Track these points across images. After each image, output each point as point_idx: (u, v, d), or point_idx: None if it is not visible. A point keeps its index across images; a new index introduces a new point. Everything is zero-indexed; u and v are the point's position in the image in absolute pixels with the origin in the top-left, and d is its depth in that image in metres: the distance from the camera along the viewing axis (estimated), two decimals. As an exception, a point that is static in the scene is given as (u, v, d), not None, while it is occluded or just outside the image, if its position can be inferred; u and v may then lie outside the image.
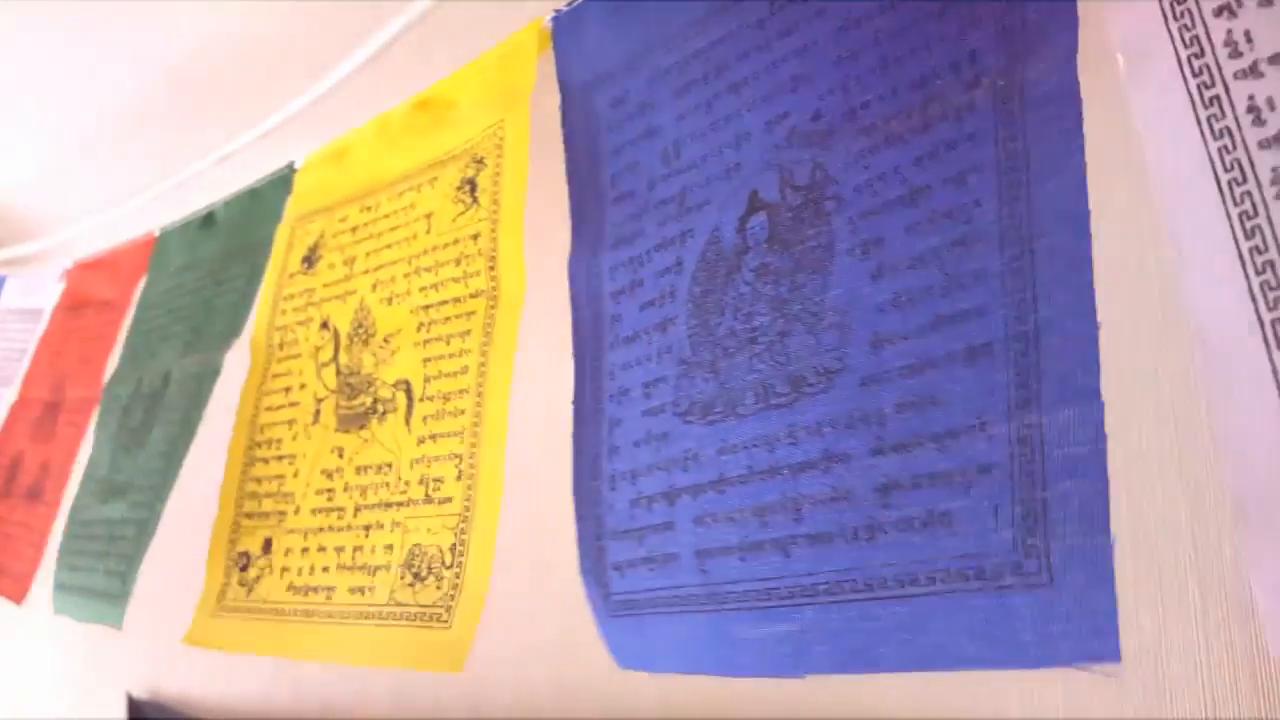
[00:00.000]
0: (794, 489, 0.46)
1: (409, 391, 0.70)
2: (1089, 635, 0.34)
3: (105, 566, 0.90)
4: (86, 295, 1.23)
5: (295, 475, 0.78)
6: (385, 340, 0.74)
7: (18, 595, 1.03)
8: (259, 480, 0.82)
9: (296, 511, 0.77)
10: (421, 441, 0.68)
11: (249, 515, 0.82)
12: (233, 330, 0.90)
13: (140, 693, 1.49)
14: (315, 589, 0.72)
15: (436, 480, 0.65)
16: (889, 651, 0.40)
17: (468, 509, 0.63)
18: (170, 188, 1.35)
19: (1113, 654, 0.33)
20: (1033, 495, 0.37)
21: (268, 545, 0.78)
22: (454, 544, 0.62)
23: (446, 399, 0.67)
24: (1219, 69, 0.38)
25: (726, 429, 0.51)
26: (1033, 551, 0.36)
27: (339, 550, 0.71)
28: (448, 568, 0.62)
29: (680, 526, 0.52)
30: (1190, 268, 0.37)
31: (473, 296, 0.68)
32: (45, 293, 1.36)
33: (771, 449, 0.48)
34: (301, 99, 1.15)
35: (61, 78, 1.25)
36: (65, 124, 1.37)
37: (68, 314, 1.26)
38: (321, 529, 0.74)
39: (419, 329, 0.72)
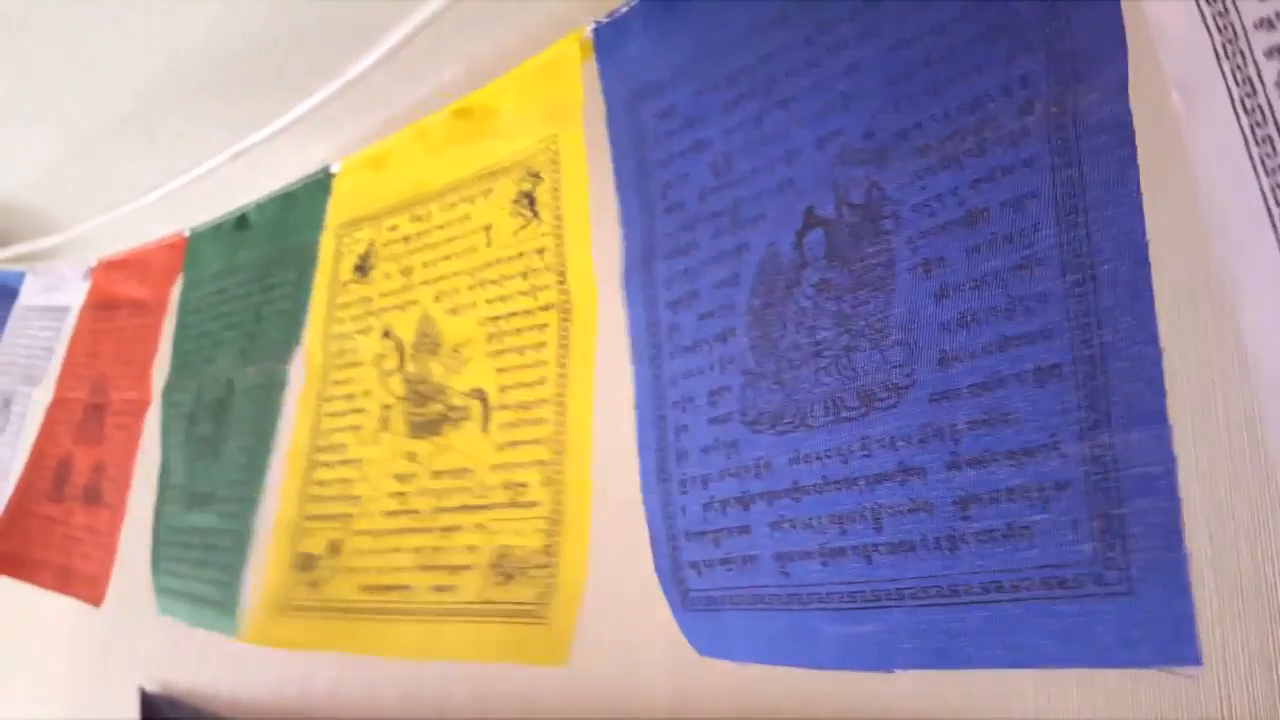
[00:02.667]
0: (871, 499, 0.50)
1: (484, 400, 0.73)
2: (1170, 641, 0.38)
3: (208, 575, 0.94)
4: (116, 294, 1.25)
5: (364, 479, 0.81)
6: (455, 350, 0.77)
7: (96, 598, 1.07)
8: (322, 484, 0.85)
9: (366, 514, 0.80)
10: (501, 448, 0.71)
11: (312, 518, 0.85)
12: (291, 339, 0.92)
13: (153, 686, 1.52)
14: (393, 588, 0.76)
15: (520, 485, 0.69)
16: (976, 651, 0.44)
17: (557, 513, 0.66)
18: (189, 184, 1.36)
19: (1193, 658, 0.37)
20: (1109, 511, 0.41)
21: (335, 546, 0.82)
22: (545, 545, 0.66)
23: (525, 408, 0.70)
24: (1271, 109, 0.41)
25: (798, 439, 0.55)
26: (1112, 564, 0.40)
27: (417, 551, 0.75)
28: (540, 568, 0.66)
29: (757, 530, 0.56)
30: (1245, 304, 0.40)
31: (543, 309, 0.71)
32: (70, 291, 1.37)
33: (845, 460, 0.52)
34: (322, 93, 1.15)
35: (75, 72, 1.25)
36: (79, 119, 1.37)
37: (98, 313, 1.27)
38: (397, 530, 0.77)
39: (489, 340, 0.75)
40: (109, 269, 1.29)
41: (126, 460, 1.09)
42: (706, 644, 0.60)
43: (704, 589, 0.59)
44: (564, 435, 0.67)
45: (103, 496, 1.09)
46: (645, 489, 0.64)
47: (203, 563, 0.96)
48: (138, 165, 1.44)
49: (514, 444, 0.70)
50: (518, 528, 0.68)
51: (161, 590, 1.03)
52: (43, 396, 1.32)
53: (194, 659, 1.46)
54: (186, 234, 1.16)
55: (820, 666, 0.52)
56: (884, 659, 0.48)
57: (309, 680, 1.22)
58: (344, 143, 1.20)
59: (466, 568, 0.71)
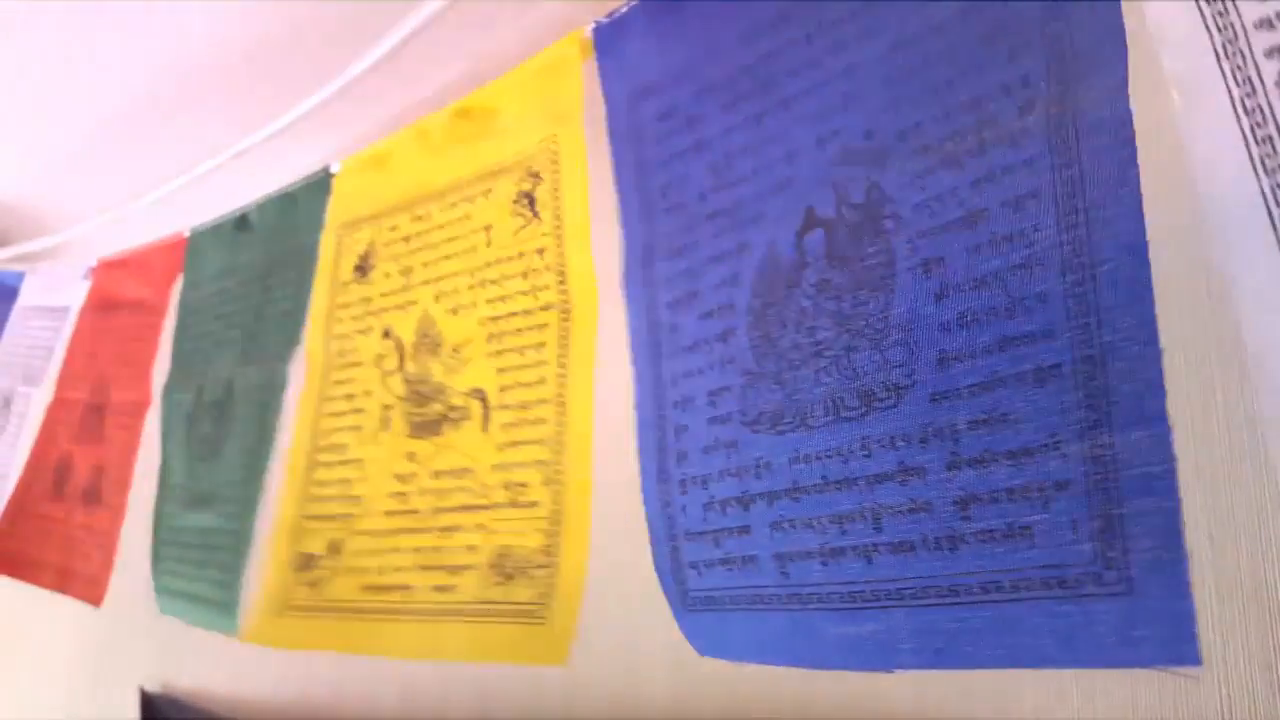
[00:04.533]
0: (871, 499, 0.50)
1: (484, 400, 0.73)
2: (1170, 640, 0.38)
3: (209, 575, 0.94)
4: (117, 295, 1.25)
5: (364, 479, 0.81)
6: (455, 350, 0.77)
7: (95, 598, 1.07)
8: (323, 484, 0.85)
9: (367, 514, 0.80)
10: (502, 448, 0.71)
11: (312, 518, 0.85)
12: (291, 339, 0.92)
13: (153, 686, 1.52)
14: (392, 588, 0.76)
15: (521, 485, 0.69)
16: (976, 651, 0.44)
17: (557, 512, 0.66)
18: (188, 184, 1.36)
19: (1194, 658, 0.37)
20: (1109, 512, 0.41)
21: (335, 546, 0.82)
22: (545, 545, 0.66)
23: (525, 407, 0.70)
24: (1271, 109, 0.41)
25: (798, 439, 0.55)
26: (1112, 564, 0.40)
27: (417, 550, 0.75)
28: (540, 567, 0.66)
29: (757, 530, 0.56)
30: (1245, 302, 0.40)
31: (543, 309, 0.71)
32: (70, 291, 1.37)
33: (845, 460, 0.52)
34: (322, 93, 1.16)
35: (74, 72, 1.25)
36: (79, 118, 1.37)
37: (98, 313, 1.27)
38: (397, 530, 0.77)
39: (489, 340, 0.75)
40: (109, 269, 1.29)
41: (126, 460, 1.09)
42: (706, 644, 0.60)
43: (704, 589, 0.59)
44: (564, 435, 0.67)
45: (102, 497, 1.09)
46: (645, 489, 0.64)
47: (203, 563, 0.96)
48: (138, 165, 1.44)
49: (514, 444, 0.71)
50: (518, 527, 0.68)
51: (162, 590, 1.03)
52: (43, 396, 1.32)
53: (194, 659, 1.46)
54: (186, 234, 1.16)
55: (820, 666, 0.52)
56: (884, 659, 0.48)
57: (309, 680, 1.22)
58: (344, 143, 1.20)
59: (467, 567, 0.71)
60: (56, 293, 1.41)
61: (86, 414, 1.20)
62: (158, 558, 1.04)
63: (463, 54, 1.12)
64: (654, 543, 0.63)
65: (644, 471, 0.64)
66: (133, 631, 1.55)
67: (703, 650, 0.60)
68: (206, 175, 1.35)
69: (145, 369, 1.12)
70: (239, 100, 1.25)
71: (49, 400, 1.29)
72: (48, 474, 1.21)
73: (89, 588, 1.08)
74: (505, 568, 0.68)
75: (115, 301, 1.25)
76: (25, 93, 1.32)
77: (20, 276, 1.47)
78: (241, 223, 1.06)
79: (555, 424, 0.68)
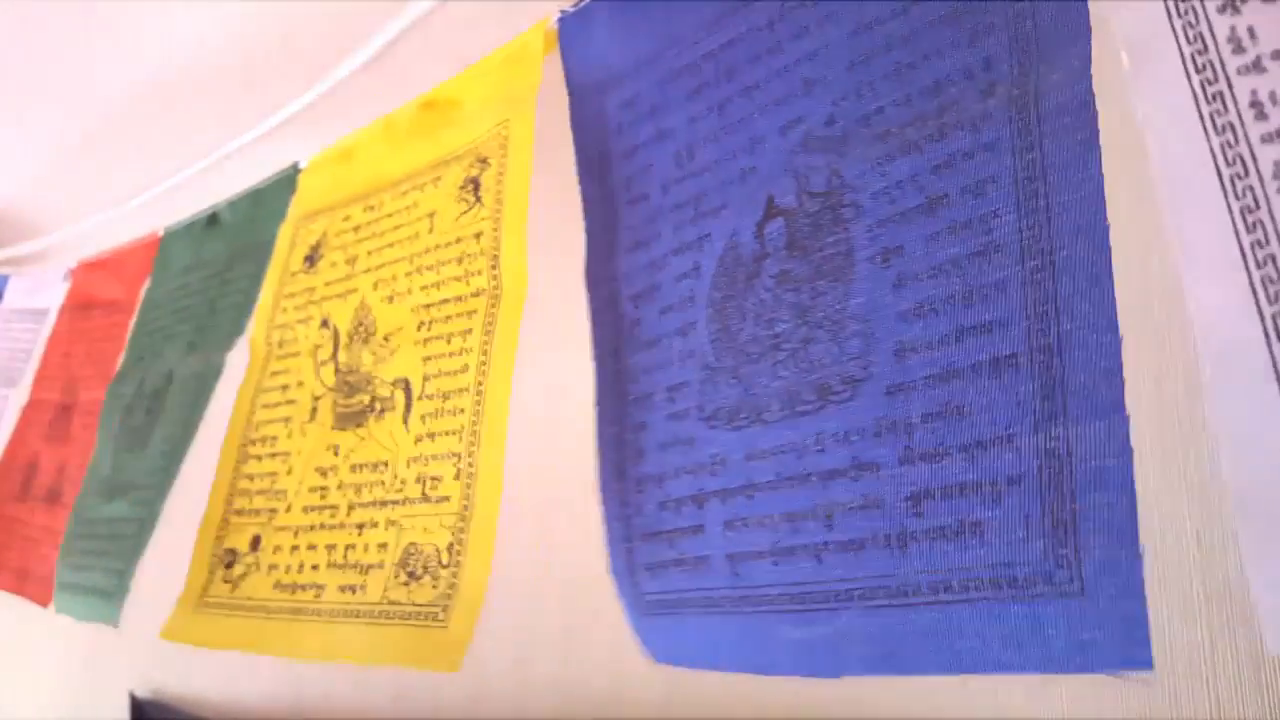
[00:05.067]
0: (824, 496, 0.48)
1: (408, 390, 0.71)
2: (1121, 643, 0.36)
3: (105, 565, 0.91)
4: (93, 295, 1.24)
5: (289, 473, 0.79)
6: (385, 339, 0.74)
7: (44, 598, 1.04)
8: (251, 477, 0.83)
9: (288, 509, 0.77)
10: (419, 440, 0.68)
11: (239, 512, 0.82)
12: (235, 330, 0.90)
13: (143, 691, 1.51)
14: (304, 586, 0.73)
15: (434, 479, 0.66)
16: (924, 656, 0.42)
17: (466, 508, 0.63)
18: (172, 187, 1.35)
19: (1145, 661, 0.35)
20: (1062, 507, 0.39)
21: (256, 542, 0.79)
22: (451, 543, 0.63)
23: (446, 398, 0.67)
24: (1222, 65, 0.39)
25: (753, 435, 0.53)
26: (1064, 562, 0.38)
27: (330, 548, 0.72)
28: (444, 567, 0.63)
29: (710, 530, 0.54)
30: (1192, 262, 0.38)
31: (474, 295, 0.69)
32: (50, 293, 1.36)
33: (800, 456, 0.50)
34: (303, 98, 1.15)
35: (60, 76, 1.25)
36: (64, 123, 1.36)
37: (75, 314, 1.26)
38: (313, 526, 0.74)
39: (419, 328, 0.72)
40: (87, 270, 1.27)
41: (85, 460, 1.07)
42: (661, 650, 0.57)
43: (657, 592, 0.57)
44: (479, 426, 0.64)
45: (62, 496, 1.07)
46: (603, 488, 0.62)
47: (104, 552, 0.93)
48: (122, 170, 1.44)
49: (431, 435, 0.67)
50: (427, 524, 0.65)
51: (60, 586, 0.99)
52: (20, 398, 1.31)
53: (184, 664, 1.44)
54: (161, 234, 1.15)
55: (772, 672, 0.50)
56: (835, 665, 0.46)
57: (299, 685, 1.20)
58: (321, 146, 1.19)
59: (376, 566, 0.68)
60: (38, 295, 1.40)
61: (56, 415, 1.18)
62: (66, 552, 1.00)
63: (446, 57, 1.10)
64: (610, 543, 0.60)
65: (601, 471, 0.62)
66: (123, 637, 1.53)
67: (658, 657, 0.57)
68: (189, 179, 1.34)
69: (111, 368, 1.10)
70: (221, 106, 1.24)
71: (24, 402, 1.28)
72: (16, 475, 1.19)
73: (38, 588, 1.06)
74: (412, 566, 0.65)
75: (91, 302, 1.24)
76: (9, 99, 1.32)
77: (4, 280, 1.47)
78: (211, 220, 1.05)
79: (471, 414, 0.65)
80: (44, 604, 1.05)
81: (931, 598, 0.42)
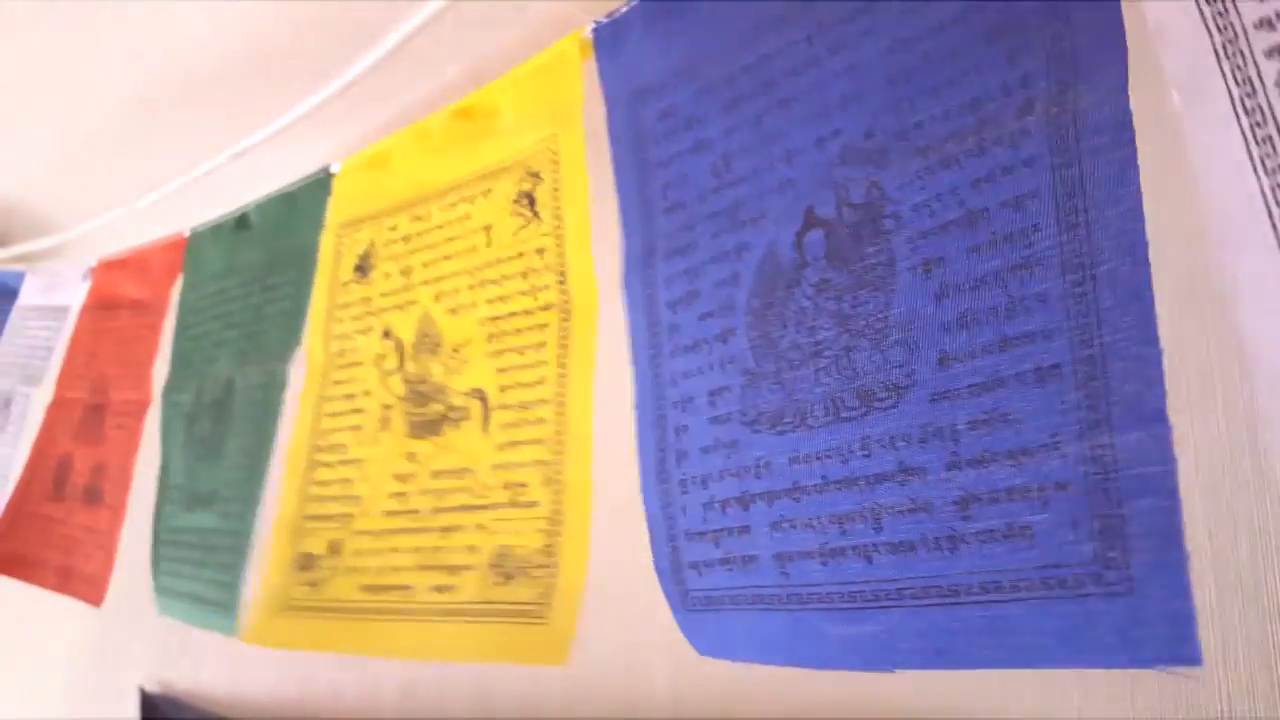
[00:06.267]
0: (871, 499, 0.50)
1: (484, 400, 0.73)
2: (1170, 641, 0.38)
3: (208, 575, 0.94)
4: (117, 295, 1.25)
5: (364, 479, 0.81)
6: (455, 350, 0.77)
7: (96, 598, 1.07)
8: (323, 484, 0.85)
9: (366, 514, 0.80)
10: (501, 448, 0.71)
11: (312, 518, 0.85)
12: (291, 340, 0.92)
13: (153, 686, 1.52)
14: (392, 588, 0.76)
15: (520, 485, 0.69)
16: (976, 651, 0.44)
17: (557, 512, 0.66)
18: (187, 184, 1.36)
19: (1194, 658, 0.37)
20: (1110, 511, 0.41)
21: (335, 546, 0.82)
22: (546, 545, 0.66)
23: (525, 408, 0.71)
24: (1270, 108, 0.41)
25: (798, 439, 0.55)
26: (1112, 564, 0.40)
27: (416, 551, 0.75)
28: (540, 567, 0.66)
29: (757, 530, 0.56)
30: (1242, 300, 0.40)
31: (543, 309, 0.71)
32: (69, 290, 1.37)
33: (845, 460, 0.52)
34: (319, 95, 1.16)
35: (74, 72, 1.26)
36: (79, 118, 1.37)
37: (98, 314, 1.27)
38: (396, 530, 0.77)
39: (489, 340, 0.75)
40: (109, 269, 1.29)
41: (126, 460, 1.09)
42: (706, 644, 0.60)
43: (704, 589, 0.59)
44: (564, 435, 0.67)
45: (103, 497, 1.09)
46: (645, 489, 0.64)
47: (203, 563, 0.96)
48: (138, 165, 1.45)
49: (514, 444, 0.70)
50: (517, 527, 0.68)
51: (162, 590, 1.03)
52: (43, 396, 1.32)
53: (194, 659, 1.46)
54: (186, 234, 1.16)
55: (820, 666, 0.52)
56: (884, 659, 0.48)
57: (309, 680, 1.22)
58: (344, 143, 1.20)
59: (466, 568, 0.71)
60: (56, 293, 1.41)
61: (86, 414, 1.20)
62: (157, 558, 1.04)
63: (463, 54, 1.12)
64: (654, 543, 0.63)
65: (643, 471, 0.64)
66: (133, 631, 1.55)
67: (703, 650, 0.60)
68: (206, 175, 1.35)
69: (145, 369, 1.12)
70: (239, 100, 1.25)
71: (49, 400, 1.29)
72: (48, 474, 1.21)
73: (90, 588, 1.08)
74: (505, 568, 0.68)
75: (115, 301, 1.25)
76: (25, 93, 1.32)
77: (20, 276, 1.47)
78: (241, 222, 1.06)
79: (555, 424, 0.68)
80: (96, 604, 1.07)
81: (982, 597, 0.44)
